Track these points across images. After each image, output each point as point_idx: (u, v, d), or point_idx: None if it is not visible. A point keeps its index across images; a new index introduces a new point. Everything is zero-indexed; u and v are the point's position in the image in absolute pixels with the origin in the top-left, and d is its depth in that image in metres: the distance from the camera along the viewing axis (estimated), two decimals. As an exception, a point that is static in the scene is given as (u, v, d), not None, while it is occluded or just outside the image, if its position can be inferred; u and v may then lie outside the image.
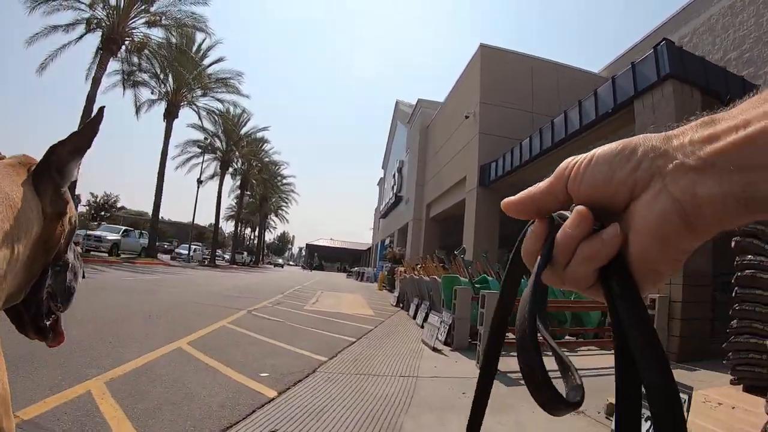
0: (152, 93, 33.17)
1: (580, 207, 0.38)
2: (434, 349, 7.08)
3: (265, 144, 52.67)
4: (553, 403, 0.34)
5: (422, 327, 9.34)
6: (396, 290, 19.17)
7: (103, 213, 61.73)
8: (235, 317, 8.53)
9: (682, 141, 0.35)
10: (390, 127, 50.35)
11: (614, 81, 10.31)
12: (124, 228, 30.94)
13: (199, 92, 34.82)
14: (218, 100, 36.31)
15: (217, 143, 45.13)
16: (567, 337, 8.72)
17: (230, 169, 48.73)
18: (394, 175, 38.69)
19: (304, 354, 5.93)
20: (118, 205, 70.31)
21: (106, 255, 25.85)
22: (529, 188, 0.43)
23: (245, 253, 62.97)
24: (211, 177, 47.08)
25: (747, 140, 0.32)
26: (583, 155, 0.40)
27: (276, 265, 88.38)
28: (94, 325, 6.08)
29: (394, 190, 37.46)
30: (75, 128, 0.88)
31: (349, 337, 7.63)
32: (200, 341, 6.01)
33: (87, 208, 68.41)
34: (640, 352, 0.33)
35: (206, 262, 41.87)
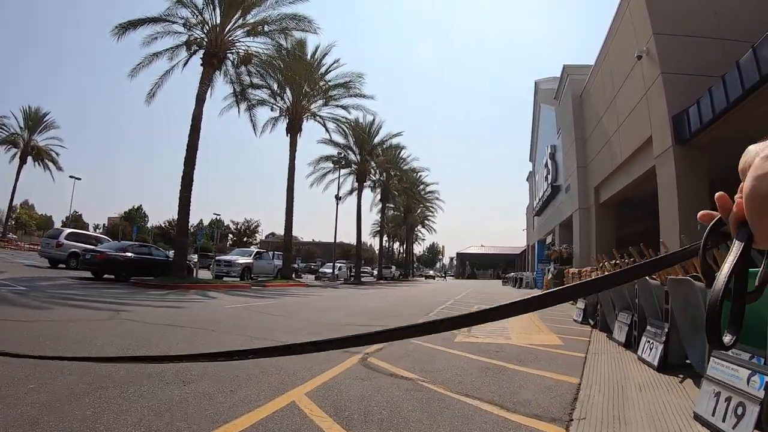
0: (272, 110, 31.81)
1: None
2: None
3: (402, 150, 49.76)
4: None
5: (660, 369, 5.14)
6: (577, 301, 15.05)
7: (246, 239, 63.53)
8: (327, 378, 4.79)
9: None
10: (532, 112, 45.03)
11: None
12: (256, 251, 29.87)
13: (320, 101, 32.85)
14: (342, 107, 33.87)
15: (351, 156, 43.12)
16: None
17: (367, 182, 46.61)
18: (545, 164, 33.58)
19: None
20: (260, 230, 72.01)
21: (238, 279, 24.61)
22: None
23: (393, 268, 60.38)
24: (350, 192, 45.31)
25: None
26: None
27: (427, 277, 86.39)
28: None
29: (549, 181, 32.34)
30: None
31: (543, 424, 3.54)
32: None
33: (230, 236, 71.64)
34: None
35: (352, 280, 39.66)
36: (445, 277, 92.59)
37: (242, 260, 26.67)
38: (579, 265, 21.32)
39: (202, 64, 22.26)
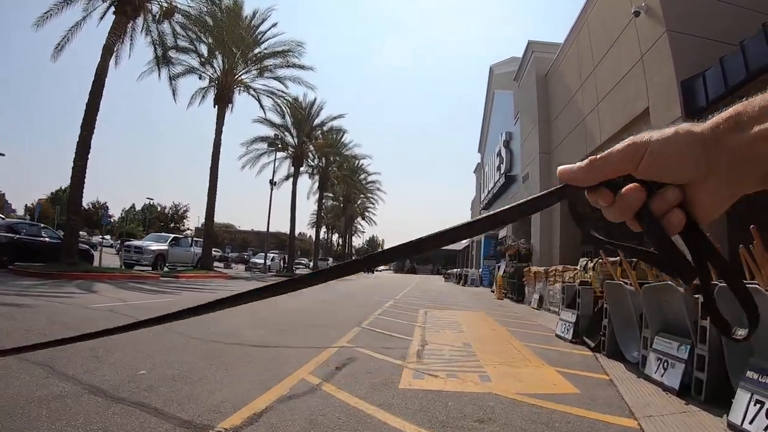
0: (200, 78, 28.10)
1: (670, 188, 0.53)
2: None
3: (343, 135, 46.47)
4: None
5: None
6: (533, 300, 15.24)
7: (174, 225, 58.67)
8: None
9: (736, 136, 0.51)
10: (485, 101, 42.72)
11: None
12: (173, 236, 26.54)
13: (254, 72, 29.24)
14: (278, 79, 30.29)
15: (288, 138, 39.58)
16: None
17: (305, 167, 43.21)
18: (498, 153, 31.19)
19: None
20: (188, 215, 66.91)
21: (150, 269, 21.70)
22: (596, 159, 0.55)
23: (330, 260, 57.24)
24: (286, 178, 41.81)
25: None
26: (649, 139, 0.53)
27: (366, 270, 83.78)
28: None
29: (502, 171, 29.91)
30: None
31: None
32: None
33: (144, 216, 66.56)
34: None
35: (285, 272, 36.50)
36: (373, 271, 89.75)
37: (155, 247, 23.54)
38: (540, 263, 18.81)
39: (114, 12, 18.52)
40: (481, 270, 37.37)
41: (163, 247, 23.99)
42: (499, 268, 26.32)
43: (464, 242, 77.70)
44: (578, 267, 12.29)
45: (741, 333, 0.54)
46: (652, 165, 0.52)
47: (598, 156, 0.55)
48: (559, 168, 0.57)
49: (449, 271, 52.99)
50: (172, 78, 24.78)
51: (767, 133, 0.48)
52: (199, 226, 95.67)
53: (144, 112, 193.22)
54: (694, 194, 0.53)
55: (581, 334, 8.20)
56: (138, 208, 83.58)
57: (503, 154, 29.71)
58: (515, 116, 27.45)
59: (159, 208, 72.43)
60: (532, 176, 22.10)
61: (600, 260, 10.67)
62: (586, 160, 0.55)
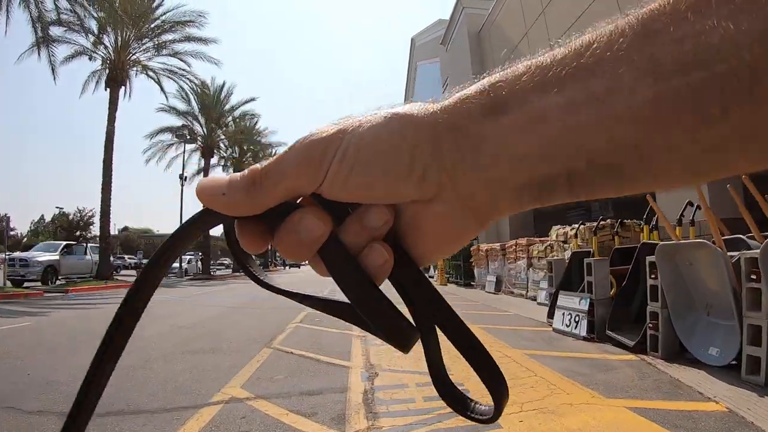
0: (90, 59, 24.02)
1: (373, 209, 0.33)
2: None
3: (257, 121, 42.62)
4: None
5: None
6: (488, 283, 13.49)
7: (78, 233, 52.85)
8: None
9: (469, 142, 0.32)
10: (406, 77, 40.27)
11: None
12: (64, 244, 22.32)
13: (152, 49, 25.38)
14: (178, 56, 26.44)
15: (197, 127, 35.56)
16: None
17: (217, 159, 39.41)
18: (424, 127, 28.75)
19: None
20: (93, 221, 60.39)
21: (39, 283, 18.83)
22: (259, 173, 0.34)
23: (252, 257, 53.32)
24: (197, 172, 37.71)
25: (542, 145, 0.30)
26: (342, 137, 0.33)
27: (293, 266, 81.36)
28: None
29: (429, 145, 27.50)
30: None
31: None
32: None
33: (55, 228, 60.01)
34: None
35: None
36: (299, 266, 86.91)
37: (43, 258, 19.77)
38: (487, 241, 16.43)
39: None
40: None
41: (53, 257, 20.17)
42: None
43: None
44: (552, 237, 9.86)
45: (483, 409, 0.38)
46: (345, 180, 0.33)
47: (263, 167, 0.34)
48: (199, 184, 0.35)
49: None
50: (52, 59, 21.17)
51: (537, 115, 0.30)
52: (116, 232, 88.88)
53: (43, 110, 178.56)
54: (412, 219, 0.34)
55: (601, 328, 5.66)
56: (48, 219, 76.42)
57: (430, 127, 27.33)
58: (443, 84, 25.11)
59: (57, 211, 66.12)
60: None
61: (584, 225, 8.28)
62: (246, 174, 0.34)
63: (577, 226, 8.29)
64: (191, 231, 0.36)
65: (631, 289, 5.59)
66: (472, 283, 15.73)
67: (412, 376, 4.35)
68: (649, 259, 4.82)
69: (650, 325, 4.78)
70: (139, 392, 3.98)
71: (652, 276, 4.80)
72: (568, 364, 4.65)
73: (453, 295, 13.10)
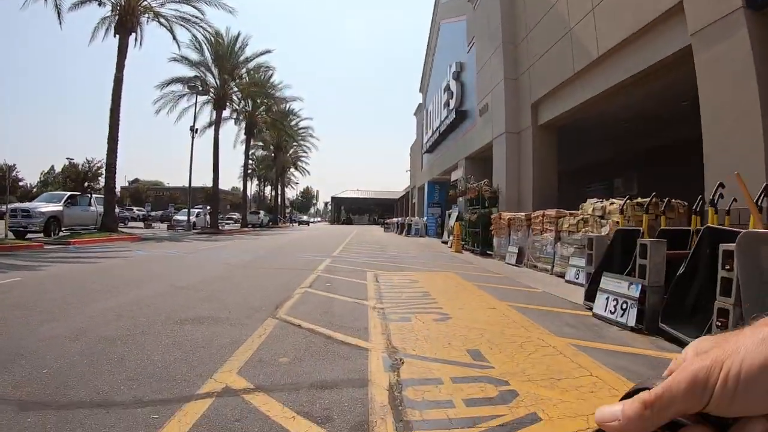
0: (100, 4, 22.96)
1: (755, 421, 0.36)
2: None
3: (272, 74, 41.32)
4: None
5: None
6: (509, 254, 12.68)
7: (88, 185, 52.17)
8: None
9: None
10: (428, 36, 38.72)
11: None
12: (68, 194, 21.43)
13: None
14: (191, 2, 25.22)
15: (210, 79, 34.39)
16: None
17: (230, 111, 38.30)
18: (447, 88, 27.51)
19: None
20: (102, 172, 59.79)
21: (42, 235, 18.39)
22: (651, 399, 0.39)
23: (261, 213, 52.72)
24: (209, 125, 36.71)
25: None
26: (723, 359, 0.37)
27: (301, 222, 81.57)
28: None
29: (452, 106, 26.29)
30: None
31: None
32: None
33: (65, 179, 59.30)
34: None
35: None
36: (308, 223, 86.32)
37: (46, 208, 19.10)
38: (509, 208, 15.59)
39: None
40: (426, 218, 34.24)
41: (57, 208, 19.52)
42: (450, 216, 23.12)
43: (401, 189, 75.02)
44: (586, 211, 9.03)
45: None
46: (730, 403, 0.36)
47: (653, 394, 0.38)
48: (598, 412, 0.41)
49: (388, 221, 49.52)
50: (58, 3, 20.09)
51: None
52: (126, 184, 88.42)
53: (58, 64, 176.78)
54: None
55: (652, 318, 4.92)
56: (58, 169, 75.77)
57: (453, 87, 26.05)
58: (469, 43, 23.77)
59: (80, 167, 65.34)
60: (494, 107, 18.53)
61: (630, 200, 7.49)
62: (635, 402, 0.39)
63: (624, 200, 7.44)
64: None
65: (688, 277, 4.81)
66: (489, 252, 14.97)
67: (444, 367, 3.65)
68: (724, 247, 4.02)
69: (718, 323, 4.02)
70: (113, 375, 3.30)
71: (726, 267, 4.00)
72: (624, 362, 3.93)
73: (471, 264, 12.38)
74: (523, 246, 11.91)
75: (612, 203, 8.20)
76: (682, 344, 4.31)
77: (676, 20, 9.03)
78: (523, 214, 12.34)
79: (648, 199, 6.80)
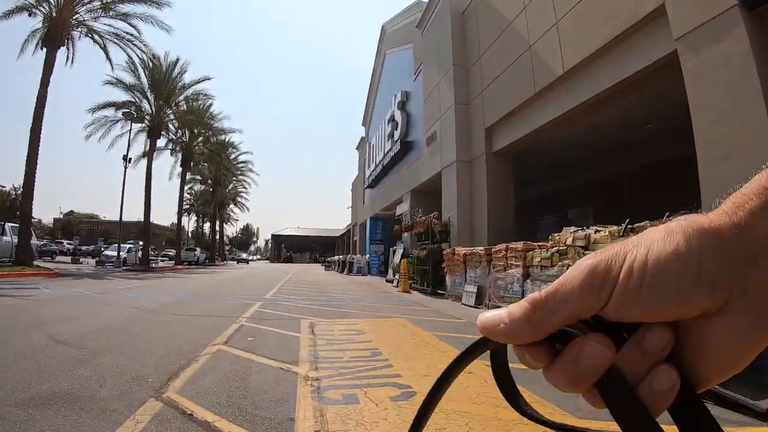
0: (30, 14, 20.99)
1: (655, 328, 0.32)
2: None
3: (211, 104, 39.40)
4: None
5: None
6: (465, 294, 11.32)
7: (16, 212, 48.00)
8: None
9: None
10: (373, 67, 37.84)
11: None
12: None
13: (98, 4, 22.32)
14: (124, 18, 23.44)
15: (146, 105, 32.11)
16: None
17: (165, 141, 36.39)
18: (391, 119, 26.48)
19: None
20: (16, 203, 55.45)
21: None
22: (541, 300, 0.34)
23: (198, 250, 49.69)
24: (143, 155, 34.12)
25: None
26: (626, 253, 0.33)
27: (240, 260, 78.86)
28: None
29: (397, 137, 25.15)
30: None
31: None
32: None
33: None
34: None
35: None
36: (247, 261, 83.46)
37: None
38: (461, 243, 14.19)
39: None
40: (368, 256, 32.61)
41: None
42: (395, 252, 21.59)
43: (342, 227, 73.48)
44: (561, 242, 7.68)
45: None
46: (632, 301, 0.32)
47: (544, 292, 0.34)
48: (481, 318, 0.36)
49: (330, 259, 47.49)
50: None
51: None
52: (60, 216, 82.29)
53: None
54: (696, 337, 0.32)
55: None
56: None
57: (398, 117, 24.97)
58: (416, 71, 22.82)
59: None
60: (444, 134, 17.30)
61: (630, 225, 6.20)
62: (524, 303, 0.34)
63: (624, 224, 6.09)
64: (467, 359, 0.38)
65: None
66: (441, 291, 13.48)
67: None
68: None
69: None
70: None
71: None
72: None
73: (424, 307, 10.78)
74: (483, 284, 10.46)
75: (597, 231, 6.86)
76: (753, 414, 2.85)
77: (654, 26, 8.08)
78: (481, 248, 10.91)
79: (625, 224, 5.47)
